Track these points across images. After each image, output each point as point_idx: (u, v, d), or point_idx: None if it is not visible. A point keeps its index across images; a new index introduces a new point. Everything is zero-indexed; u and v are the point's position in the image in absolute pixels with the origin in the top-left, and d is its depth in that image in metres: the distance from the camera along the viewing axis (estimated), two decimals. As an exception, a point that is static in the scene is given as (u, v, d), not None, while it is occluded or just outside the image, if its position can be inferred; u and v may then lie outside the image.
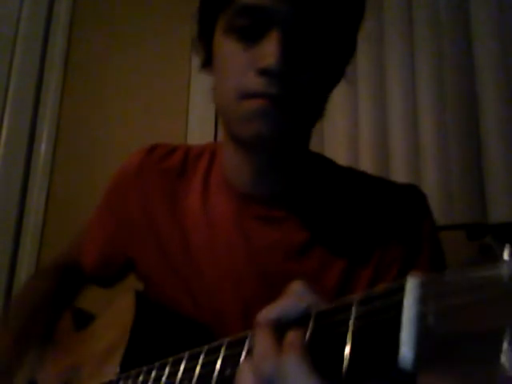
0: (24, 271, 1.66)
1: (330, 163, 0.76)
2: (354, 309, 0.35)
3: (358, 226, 0.69)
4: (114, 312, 0.70)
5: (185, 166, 0.77)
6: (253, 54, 0.60)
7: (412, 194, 0.72)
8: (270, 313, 0.41)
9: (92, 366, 0.68)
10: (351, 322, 0.34)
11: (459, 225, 1.18)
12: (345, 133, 1.41)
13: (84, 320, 0.81)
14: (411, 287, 0.31)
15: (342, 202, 0.70)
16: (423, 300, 0.30)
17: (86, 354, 0.72)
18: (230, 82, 0.62)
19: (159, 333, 0.65)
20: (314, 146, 0.74)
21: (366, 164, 1.34)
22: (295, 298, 0.41)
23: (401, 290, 0.32)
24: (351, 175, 0.75)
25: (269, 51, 0.58)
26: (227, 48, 0.63)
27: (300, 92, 0.61)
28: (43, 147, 1.78)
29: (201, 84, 1.67)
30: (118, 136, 1.74)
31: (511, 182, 1.14)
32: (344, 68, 0.70)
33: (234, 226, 0.70)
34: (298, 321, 0.39)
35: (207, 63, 0.69)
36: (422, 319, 0.30)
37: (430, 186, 1.25)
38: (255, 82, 0.59)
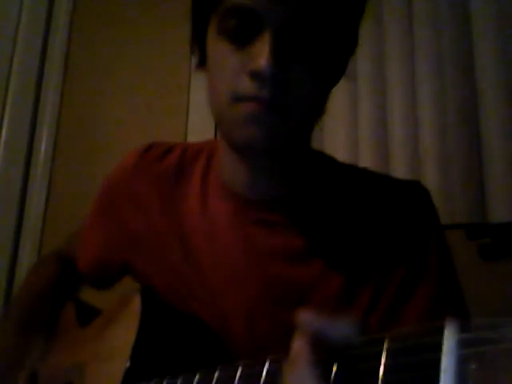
0: (24, 271, 1.66)
1: (330, 163, 0.74)
2: (385, 345, 0.34)
3: (360, 236, 0.66)
4: (120, 311, 0.69)
5: (182, 168, 0.75)
6: (244, 56, 0.58)
7: (416, 196, 0.69)
8: (314, 321, 0.40)
9: (95, 369, 0.67)
10: (383, 360, 0.33)
11: (459, 224, 1.18)
12: (345, 132, 1.41)
13: (88, 314, 0.80)
14: (450, 332, 0.30)
15: (343, 208, 0.68)
16: (463, 346, 0.29)
17: (89, 355, 0.71)
18: (223, 85, 0.60)
19: (167, 333, 0.64)
20: (313, 145, 0.73)
21: (366, 164, 1.33)
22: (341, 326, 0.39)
23: (440, 332, 0.30)
24: (352, 176, 0.72)
25: (259, 53, 0.56)
26: (219, 50, 0.61)
27: (295, 94, 0.58)
28: (43, 147, 1.78)
29: (201, 83, 1.66)
30: (117, 135, 1.74)
31: (511, 182, 1.14)
32: (343, 66, 0.67)
33: (233, 229, 0.69)
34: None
35: (202, 64, 0.68)
36: (462, 364, 0.29)
37: (430, 185, 1.23)
38: (247, 85, 0.57)
